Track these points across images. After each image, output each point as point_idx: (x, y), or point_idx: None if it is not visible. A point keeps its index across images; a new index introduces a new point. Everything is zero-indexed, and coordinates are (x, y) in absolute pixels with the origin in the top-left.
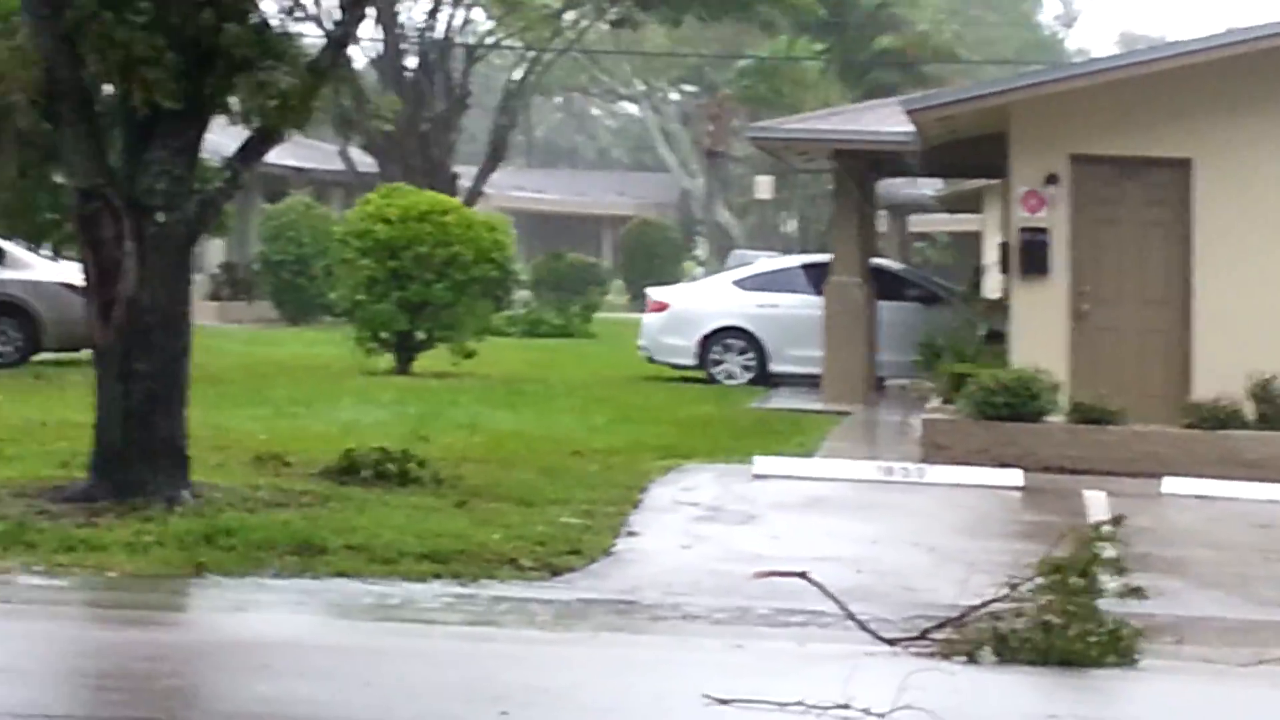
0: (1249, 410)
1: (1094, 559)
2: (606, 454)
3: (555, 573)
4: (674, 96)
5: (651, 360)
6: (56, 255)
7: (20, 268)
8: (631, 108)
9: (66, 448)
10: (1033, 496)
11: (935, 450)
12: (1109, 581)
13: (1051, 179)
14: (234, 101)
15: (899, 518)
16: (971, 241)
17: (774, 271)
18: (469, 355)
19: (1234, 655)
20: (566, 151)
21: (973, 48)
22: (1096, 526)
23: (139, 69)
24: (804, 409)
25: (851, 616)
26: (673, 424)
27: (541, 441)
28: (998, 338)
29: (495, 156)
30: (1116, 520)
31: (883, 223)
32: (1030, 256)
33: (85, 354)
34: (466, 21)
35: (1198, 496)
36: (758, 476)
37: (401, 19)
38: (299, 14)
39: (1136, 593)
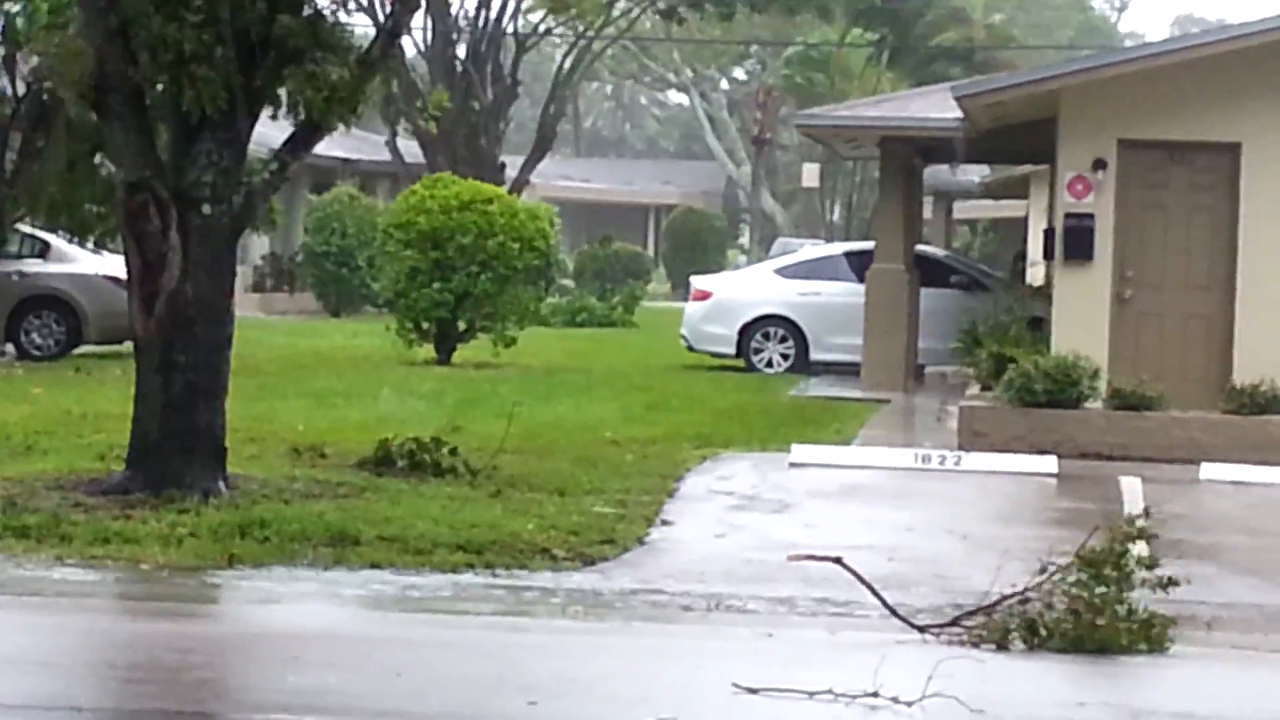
0: None
1: (1126, 553)
2: (643, 443)
3: (588, 562)
4: (723, 85)
5: (691, 349)
6: (100, 248)
7: (64, 261)
8: (680, 96)
9: (104, 440)
10: (1069, 483)
11: (973, 437)
12: (1142, 573)
13: (1099, 164)
14: (283, 94)
15: (934, 505)
16: (1016, 228)
17: (816, 259)
18: (510, 345)
19: (1266, 642)
20: (614, 141)
21: (1027, 32)
22: (1131, 519)
23: (189, 67)
24: (843, 397)
25: (884, 603)
26: (711, 412)
27: (579, 431)
28: (1038, 324)
29: (542, 146)
30: (1148, 513)
31: (928, 209)
32: (1075, 242)
33: (127, 347)
34: (517, 10)
35: (1235, 483)
36: (794, 465)
37: (452, 8)
38: (351, 5)
39: (1170, 583)
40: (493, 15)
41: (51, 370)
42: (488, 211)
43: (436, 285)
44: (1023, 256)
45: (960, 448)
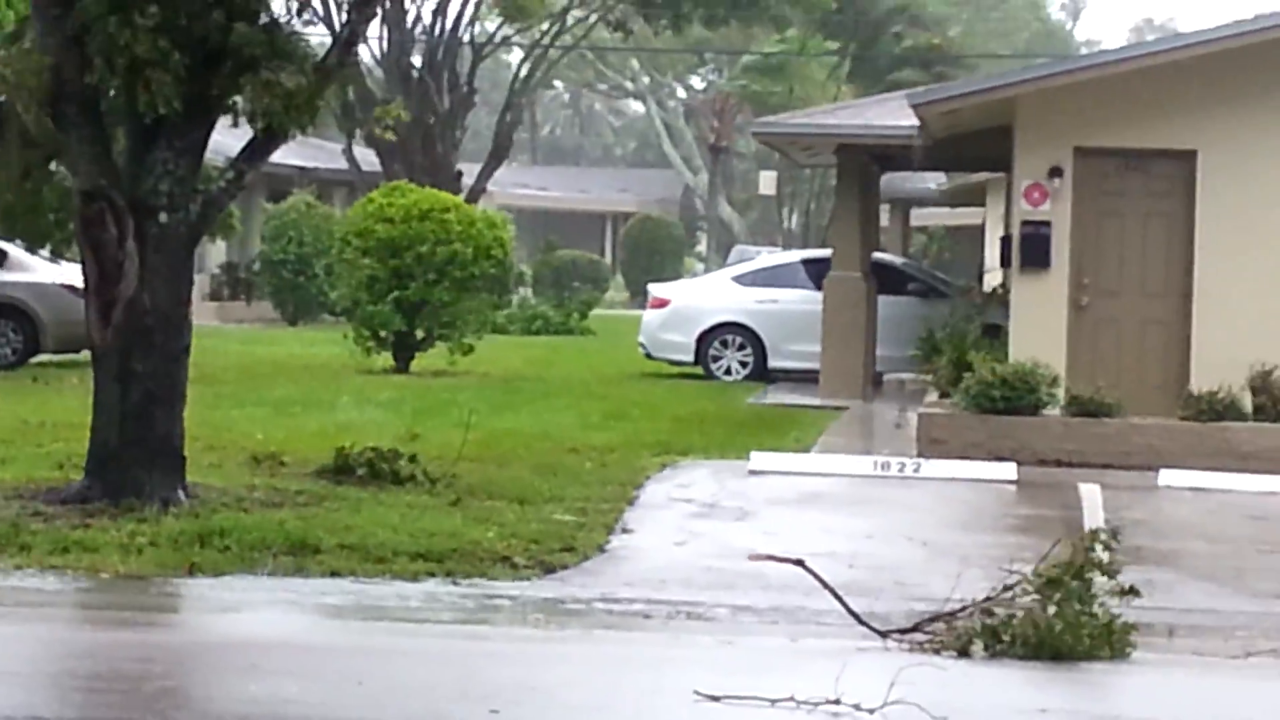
0: (1247, 402)
1: (1087, 563)
2: (603, 451)
3: (549, 570)
4: (680, 93)
5: (650, 357)
6: (57, 257)
7: (21, 270)
8: (637, 105)
9: (63, 449)
10: (1028, 490)
11: (931, 445)
12: (1104, 581)
13: (1055, 172)
14: (240, 101)
15: (894, 512)
16: (973, 235)
17: (773, 267)
18: (467, 353)
19: (1225, 648)
20: (571, 149)
21: (982, 39)
22: (1093, 533)
23: (145, 72)
24: (801, 404)
25: (846, 607)
26: (670, 420)
27: (537, 439)
28: (996, 331)
29: (499, 154)
30: (1109, 525)
31: (885, 216)
32: (1031, 249)
33: (85, 356)
34: (474, 19)
35: (1194, 489)
36: (753, 472)
37: (409, 16)
38: (307, 14)
39: (1130, 593)
40: (449, 23)
41: (9, 379)
42: (445, 220)
43: (394, 294)
44: (985, 266)
45: (919, 455)
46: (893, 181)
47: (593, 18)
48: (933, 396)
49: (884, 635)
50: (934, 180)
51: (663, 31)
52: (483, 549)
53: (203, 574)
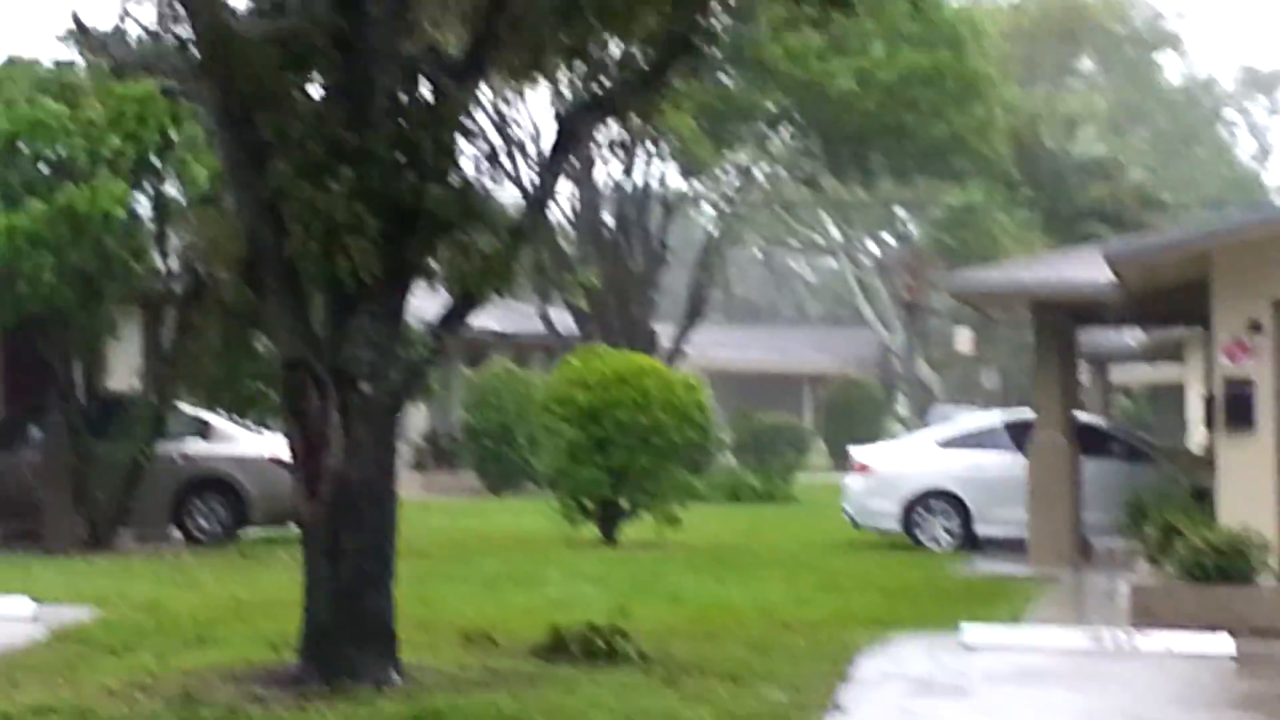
0: None
1: None
2: (813, 625)
3: None
4: (873, 248)
5: (856, 525)
6: (260, 427)
7: (225, 441)
8: (830, 261)
9: (275, 629)
10: (1247, 664)
11: (1144, 615)
12: None
13: (1255, 326)
14: (435, 265)
15: (1112, 689)
16: (1175, 393)
17: (976, 430)
18: (673, 523)
19: None
20: (765, 307)
21: (1173, 187)
22: None
23: (341, 237)
24: (1010, 574)
25: None
26: (879, 592)
27: (748, 613)
28: (1204, 495)
29: (694, 314)
30: None
31: (1084, 374)
32: (1235, 409)
33: (292, 529)
34: (663, 177)
35: None
36: (967, 647)
37: (599, 176)
38: (498, 174)
39: None
40: (640, 181)
41: (217, 554)
42: (643, 385)
43: (596, 461)
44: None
45: (1132, 626)
46: (1090, 337)
47: (783, 173)
48: (1142, 564)
49: None
50: (1131, 335)
51: (852, 186)
52: None
53: None
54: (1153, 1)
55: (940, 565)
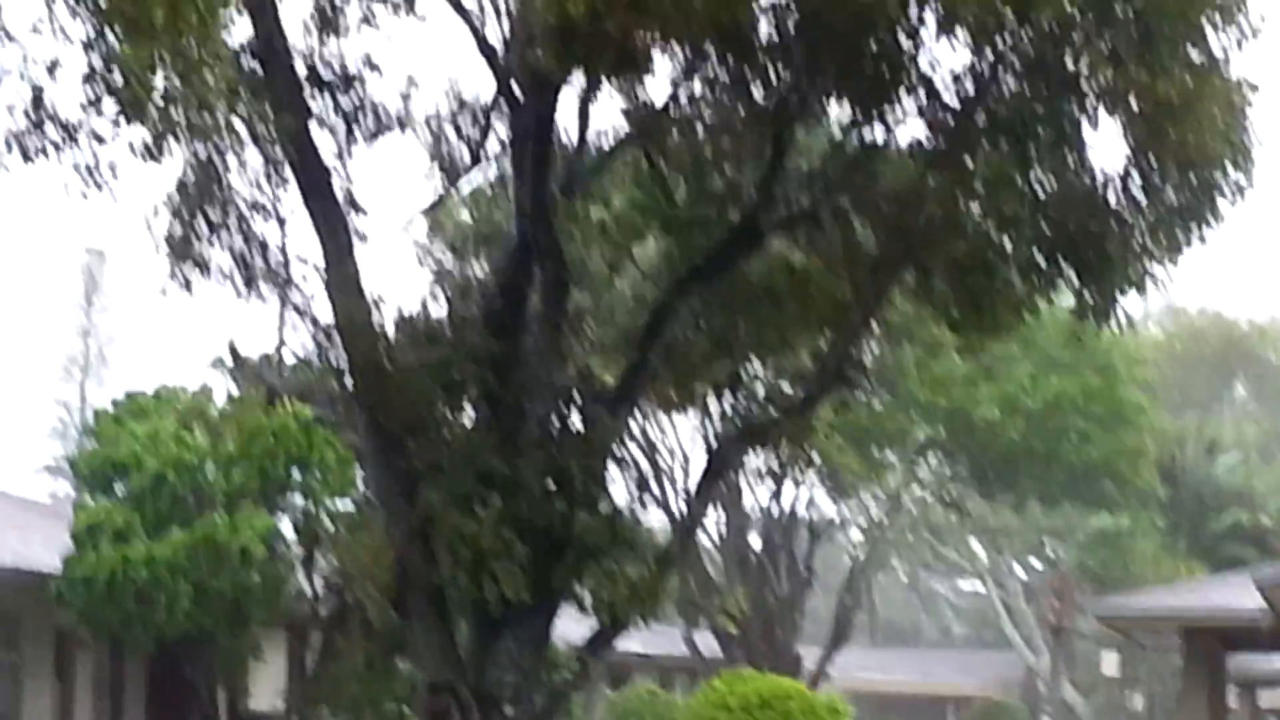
0: None
1: None
2: None
3: None
4: (1019, 571)
5: None
6: None
7: None
8: (975, 584)
9: None
10: None
11: None
12: None
13: None
14: (581, 591)
15: None
16: None
17: None
18: None
19: None
20: (909, 629)
21: None
22: None
23: (489, 563)
24: None
25: None
26: None
27: None
28: None
29: (839, 637)
30: None
31: (1232, 698)
32: None
33: None
34: (811, 500)
35: None
36: None
37: (745, 500)
38: (647, 501)
39: None
40: (787, 506)
41: None
42: (787, 709)
43: None
44: None
45: None
46: (1240, 662)
47: (929, 498)
48: None
49: None
50: None
51: (999, 511)
52: None
53: None
54: None
55: None
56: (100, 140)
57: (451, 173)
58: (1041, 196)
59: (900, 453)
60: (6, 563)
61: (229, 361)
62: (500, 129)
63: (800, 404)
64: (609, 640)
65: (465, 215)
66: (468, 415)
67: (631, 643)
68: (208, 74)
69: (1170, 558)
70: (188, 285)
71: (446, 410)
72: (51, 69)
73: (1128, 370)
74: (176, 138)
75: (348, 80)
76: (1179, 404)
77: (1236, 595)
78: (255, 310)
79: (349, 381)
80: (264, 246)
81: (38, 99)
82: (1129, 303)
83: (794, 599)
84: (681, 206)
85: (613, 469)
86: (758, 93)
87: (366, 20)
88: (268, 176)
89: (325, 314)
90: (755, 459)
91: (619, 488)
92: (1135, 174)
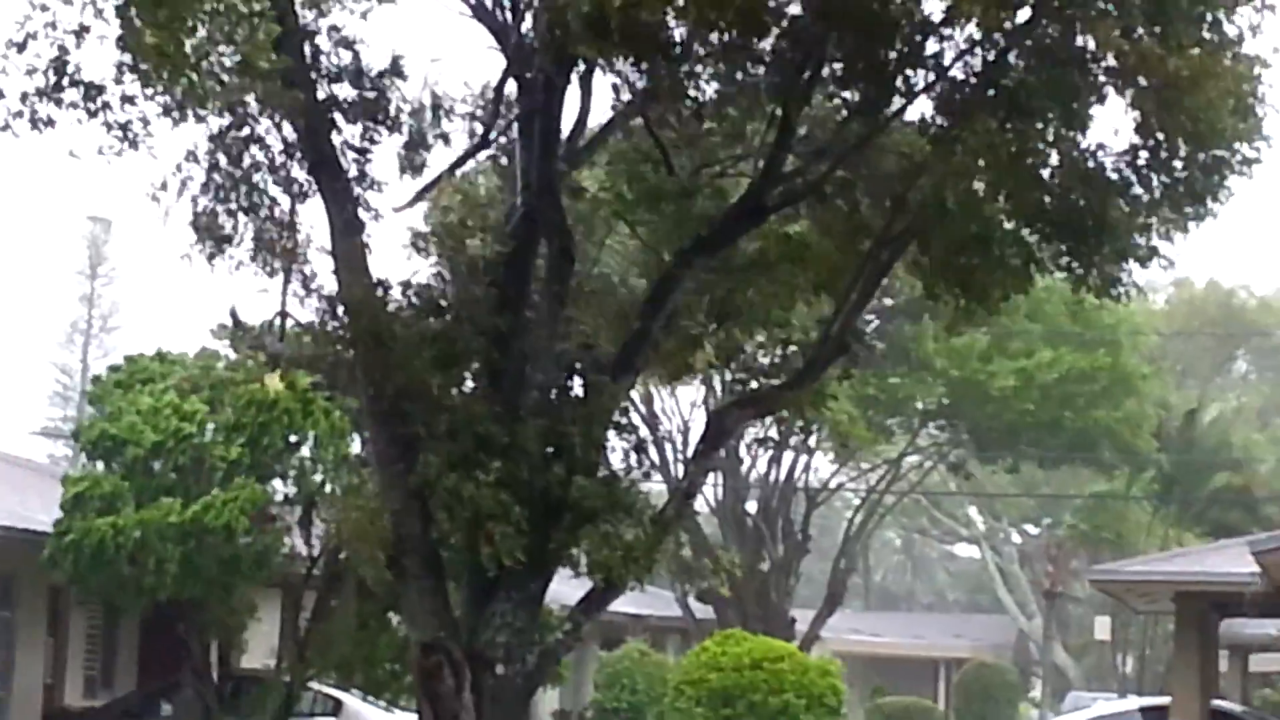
0: None
1: None
2: None
3: None
4: (1014, 538)
5: None
6: (392, 706)
7: (356, 719)
8: (970, 549)
9: None
10: None
11: None
12: None
13: None
14: (577, 553)
15: None
16: None
17: (1112, 715)
18: None
19: None
20: (903, 593)
21: None
22: None
23: (487, 526)
24: None
25: None
26: None
27: None
28: None
29: (833, 601)
30: None
31: (1223, 662)
32: None
33: None
34: (808, 465)
35: None
36: None
37: (744, 466)
38: (646, 467)
39: None
40: (784, 472)
41: None
42: (778, 669)
43: None
44: None
45: None
46: (1232, 627)
47: (927, 464)
48: None
49: None
50: (1275, 626)
51: (997, 476)
52: None
53: None
54: None
55: None
56: (131, 101)
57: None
58: (1046, 172)
59: (903, 420)
60: (2, 521)
61: (230, 328)
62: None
63: (800, 373)
64: (602, 602)
65: (470, 190)
66: (469, 384)
67: (624, 604)
68: (245, 27)
69: (1161, 522)
70: (211, 258)
71: (446, 378)
72: (79, 34)
73: (1131, 341)
74: (205, 101)
75: (353, 50)
76: (1180, 374)
77: (1230, 561)
78: (260, 280)
79: (351, 351)
80: (271, 218)
81: (61, 62)
82: (1134, 275)
83: (788, 563)
84: (682, 177)
85: (613, 436)
86: (767, 68)
87: None
88: (282, 149)
89: (329, 285)
90: (755, 427)
91: (619, 455)
92: (1143, 150)
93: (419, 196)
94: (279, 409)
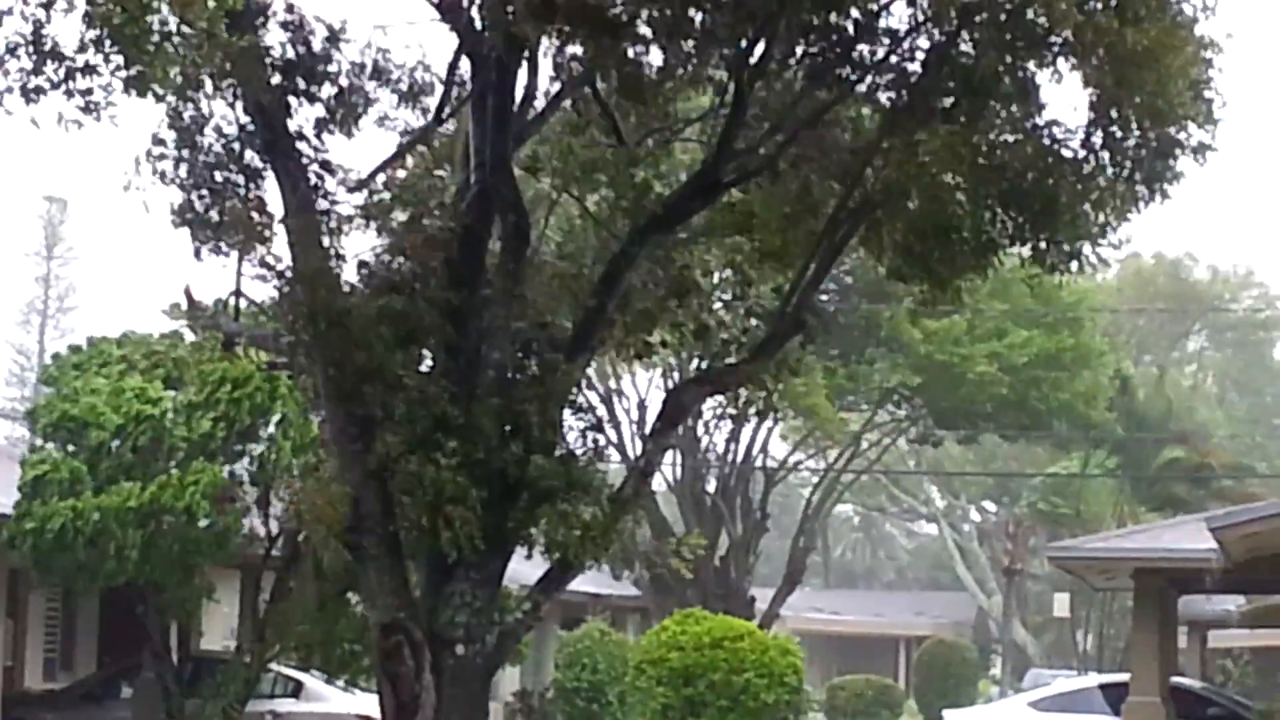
0: None
1: None
2: None
3: None
4: (973, 515)
5: None
6: (352, 687)
7: (317, 700)
8: (929, 527)
9: None
10: None
11: None
12: None
13: None
14: (535, 533)
15: None
16: (1275, 657)
17: (1071, 692)
18: None
19: None
20: (863, 571)
21: (1275, 459)
22: None
23: (446, 508)
24: None
25: None
26: None
27: None
28: None
29: (792, 579)
30: None
31: (1182, 638)
32: None
33: None
34: (766, 444)
35: None
36: None
37: (701, 444)
38: (602, 445)
39: None
40: (742, 450)
41: None
42: (738, 648)
43: None
44: None
45: None
46: (1190, 603)
47: (885, 441)
48: None
49: None
50: (1233, 602)
51: (956, 453)
52: None
53: None
54: (1269, 282)
55: None
56: (96, 72)
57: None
58: (1000, 150)
59: (864, 394)
60: None
61: (184, 308)
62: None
63: (757, 349)
64: (561, 582)
65: (422, 169)
66: (425, 363)
67: (584, 584)
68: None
69: (1118, 497)
70: (197, 253)
71: (404, 358)
72: (48, 5)
73: (1091, 319)
74: (166, 76)
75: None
76: (1134, 350)
77: (1188, 538)
78: (218, 260)
79: (308, 329)
80: (226, 197)
81: (38, 36)
82: (1087, 252)
83: (747, 541)
84: (631, 148)
85: (570, 415)
86: (720, 43)
87: None
88: (236, 127)
89: (285, 263)
90: (712, 403)
91: (575, 434)
92: (1097, 128)
93: (373, 175)
94: (252, 385)
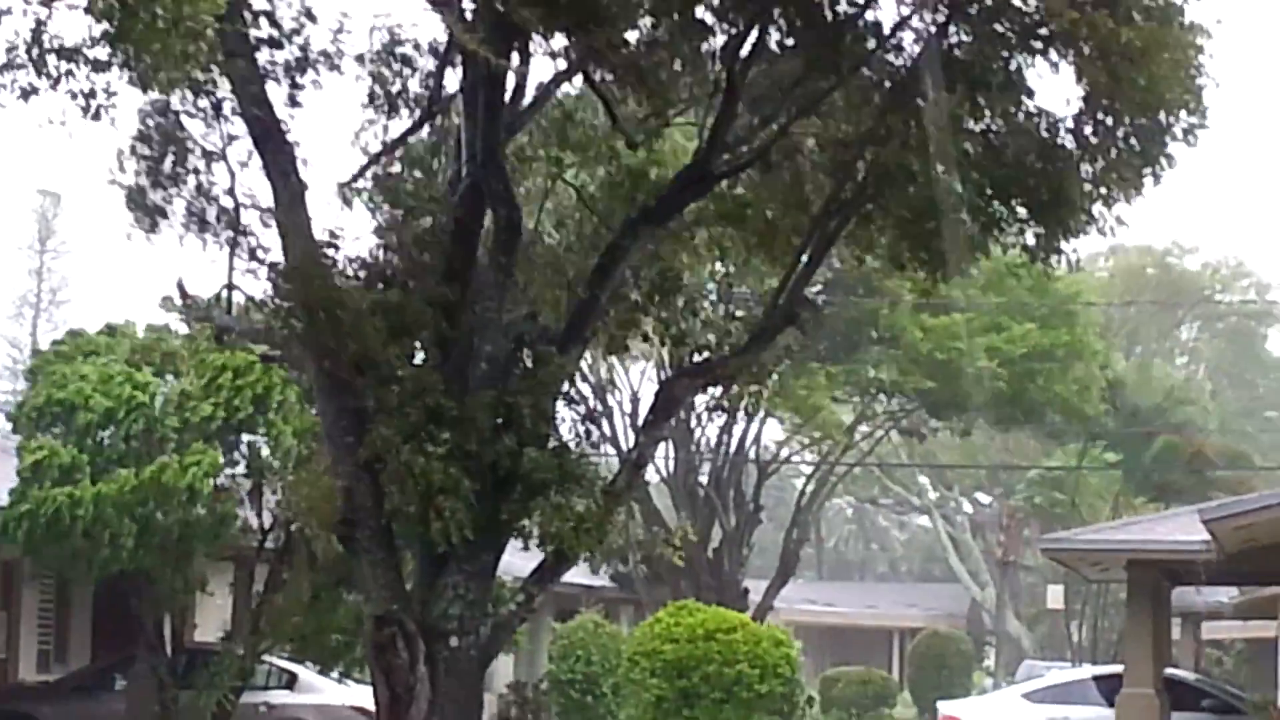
0: None
1: None
2: None
3: None
4: (966, 507)
5: None
6: (346, 678)
7: (310, 692)
8: (922, 519)
9: None
10: None
11: None
12: None
13: None
14: (529, 525)
15: None
16: (1269, 648)
17: (1065, 684)
18: None
19: None
20: (856, 563)
21: (1267, 450)
22: None
23: (438, 500)
24: None
25: None
26: None
27: None
28: None
29: (785, 571)
30: None
31: (1175, 629)
32: None
33: None
34: (759, 437)
35: None
36: None
37: (695, 436)
38: (595, 437)
39: None
40: (734, 442)
41: None
42: (731, 640)
43: (682, 714)
44: None
45: None
46: (1184, 595)
47: (878, 433)
48: None
49: None
50: (1226, 594)
51: (949, 445)
52: None
53: None
54: (1261, 274)
55: None
56: (100, 69)
57: (398, 118)
58: (993, 140)
59: (856, 387)
60: None
61: (177, 301)
62: (450, 78)
63: (749, 342)
64: (554, 574)
65: (414, 161)
66: (418, 355)
67: (578, 575)
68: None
69: (1112, 488)
70: (151, 229)
71: (397, 350)
72: (48, 1)
73: (1084, 311)
74: (177, 68)
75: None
76: (1125, 342)
77: (1181, 529)
78: (210, 253)
79: (301, 322)
80: (214, 192)
81: (38, 32)
82: (1075, 243)
83: (741, 533)
84: (627, 135)
85: (562, 407)
86: (711, 35)
87: None
88: (221, 120)
89: (276, 257)
90: (705, 396)
91: (568, 426)
92: (1088, 118)
93: (365, 168)
94: (254, 375)
